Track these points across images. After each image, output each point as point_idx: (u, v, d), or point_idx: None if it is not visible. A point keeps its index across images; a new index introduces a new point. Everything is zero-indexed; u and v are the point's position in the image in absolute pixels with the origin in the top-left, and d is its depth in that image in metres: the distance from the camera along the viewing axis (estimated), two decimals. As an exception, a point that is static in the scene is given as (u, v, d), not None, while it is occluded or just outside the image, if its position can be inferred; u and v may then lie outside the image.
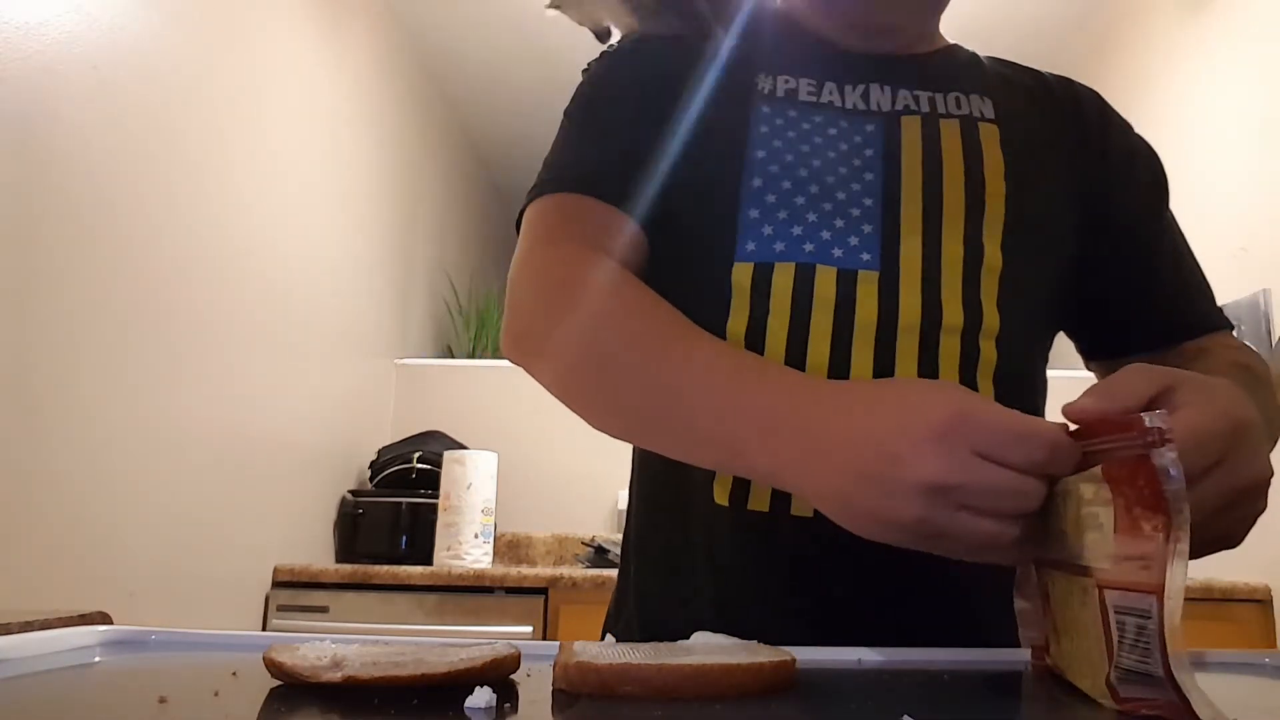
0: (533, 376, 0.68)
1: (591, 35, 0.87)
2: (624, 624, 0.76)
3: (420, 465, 2.51)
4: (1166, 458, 0.38)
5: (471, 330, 3.31)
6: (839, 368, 0.66)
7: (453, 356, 3.24)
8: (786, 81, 0.76)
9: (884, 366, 0.66)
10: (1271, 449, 0.56)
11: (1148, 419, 0.38)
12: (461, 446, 2.58)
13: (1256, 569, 1.99)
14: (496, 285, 3.60)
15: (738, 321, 0.68)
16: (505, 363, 3.08)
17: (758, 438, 0.54)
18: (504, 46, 3.12)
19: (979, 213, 0.71)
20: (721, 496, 0.68)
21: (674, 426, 0.59)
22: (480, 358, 3.19)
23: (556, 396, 0.66)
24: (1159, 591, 0.37)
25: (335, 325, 2.46)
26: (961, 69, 0.80)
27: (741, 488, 0.67)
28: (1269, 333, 2.04)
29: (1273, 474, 0.50)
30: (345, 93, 2.55)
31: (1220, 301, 0.80)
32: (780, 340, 0.67)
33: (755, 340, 0.68)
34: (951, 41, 0.84)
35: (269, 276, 2.10)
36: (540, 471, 2.71)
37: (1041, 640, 0.50)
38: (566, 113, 0.78)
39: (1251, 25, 2.21)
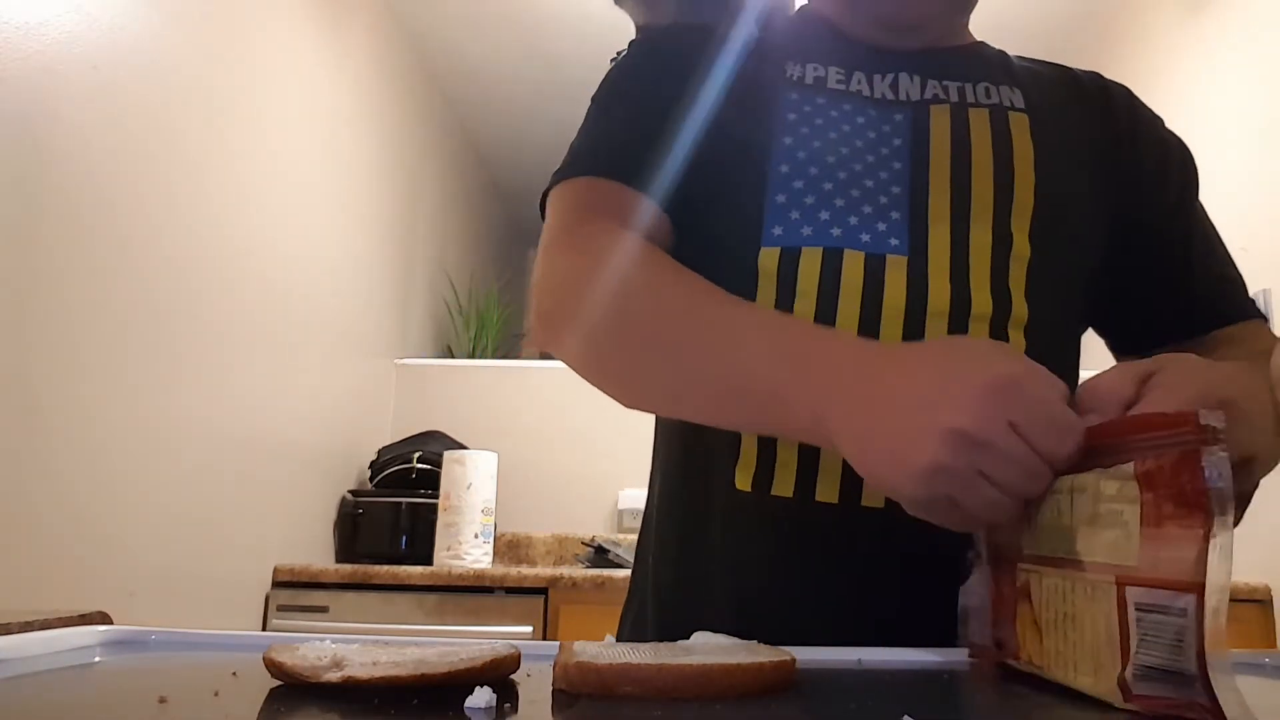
0: (561, 358, 0.67)
1: (593, 35, 0.87)
2: (635, 616, 0.75)
3: (420, 465, 2.51)
4: (1216, 456, 0.37)
5: (471, 330, 3.30)
6: None
7: (453, 356, 3.24)
8: (815, 69, 0.76)
9: None
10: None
11: (1202, 416, 0.38)
12: (461, 446, 2.57)
13: (1256, 569, 1.99)
14: (497, 285, 3.60)
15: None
16: (505, 362, 3.08)
17: (796, 390, 0.53)
18: (504, 46, 3.12)
19: (1008, 201, 0.70)
20: (744, 482, 0.67)
21: (713, 387, 0.59)
22: (480, 358, 3.19)
23: (587, 376, 0.66)
24: (1198, 589, 0.36)
25: (335, 325, 2.46)
26: (990, 61, 0.80)
27: (765, 471, 0.66)
28: (1269, 333, 2.03)
29: (1264, 454, 0.48)
30: (345, 93, 2.55)
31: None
32: None
33: None
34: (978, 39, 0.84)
35: (269, 276, 2.10)
36: (540, 471, 2.71)
37: (990, 639, 0.50)
38: (594, 98, 0.78)
39: (1251, 25, 2.21)
